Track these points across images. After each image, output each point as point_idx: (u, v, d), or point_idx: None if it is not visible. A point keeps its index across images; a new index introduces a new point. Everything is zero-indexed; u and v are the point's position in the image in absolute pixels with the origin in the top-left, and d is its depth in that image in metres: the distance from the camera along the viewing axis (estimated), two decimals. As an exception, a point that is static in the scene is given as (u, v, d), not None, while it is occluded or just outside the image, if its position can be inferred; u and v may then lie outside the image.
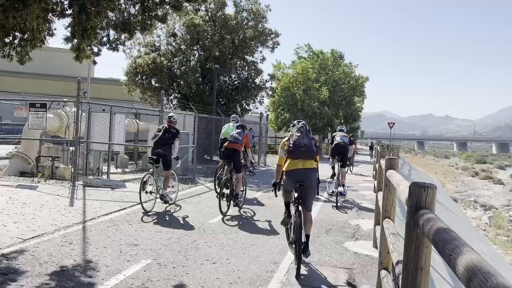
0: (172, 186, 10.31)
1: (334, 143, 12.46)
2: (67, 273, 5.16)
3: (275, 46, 25.89)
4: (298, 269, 5.53)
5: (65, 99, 15.66)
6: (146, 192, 9.19)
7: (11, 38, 7.71)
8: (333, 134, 14.45)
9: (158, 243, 6.72)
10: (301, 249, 5.63)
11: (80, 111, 11.93)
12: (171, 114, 10.09)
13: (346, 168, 13.42)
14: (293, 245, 5.89)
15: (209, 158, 21.17)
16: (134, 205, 9.38)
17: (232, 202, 9.38)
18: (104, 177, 11.16)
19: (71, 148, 12.93)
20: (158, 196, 9.44)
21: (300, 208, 5.95)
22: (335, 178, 12.05)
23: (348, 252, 6.85)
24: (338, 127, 13.88)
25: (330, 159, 12.75)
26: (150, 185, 9.44)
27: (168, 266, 5.63)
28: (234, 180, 9.46)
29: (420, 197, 2.46)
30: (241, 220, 8.74)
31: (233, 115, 12.98)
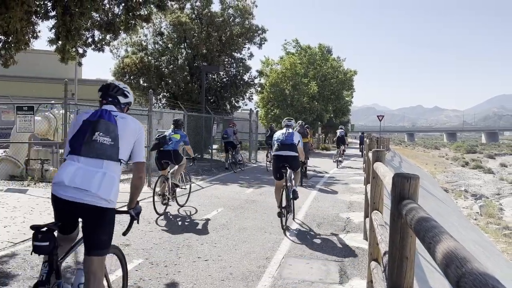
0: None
1: (336, 136, 23.51)
2: (59, 276, 5.15)
3: (263, 42, 25.88)
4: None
5: (52, 101, 15.55)
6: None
7: (-6, 41, 7.66)
8: (336, 131, 25.64)
9: (150, 242, 6.73)
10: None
11: (68, 113, 11.87)
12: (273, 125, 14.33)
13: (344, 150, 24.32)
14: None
15: (199, 156, 21.08)
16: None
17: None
18: (95, 178, 11.22)
19: (60, 150, 12.87)
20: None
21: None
22: (338, 153, 22.30)
23: (339, 244, 6.91)
24: (340, 126, 24.98)
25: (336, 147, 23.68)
26: None
27: (160, 265, 5.64)
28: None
29: (403, 187, 2.49)
30: (232, 217, 8.76)
31: (300, 122, 17.97)
